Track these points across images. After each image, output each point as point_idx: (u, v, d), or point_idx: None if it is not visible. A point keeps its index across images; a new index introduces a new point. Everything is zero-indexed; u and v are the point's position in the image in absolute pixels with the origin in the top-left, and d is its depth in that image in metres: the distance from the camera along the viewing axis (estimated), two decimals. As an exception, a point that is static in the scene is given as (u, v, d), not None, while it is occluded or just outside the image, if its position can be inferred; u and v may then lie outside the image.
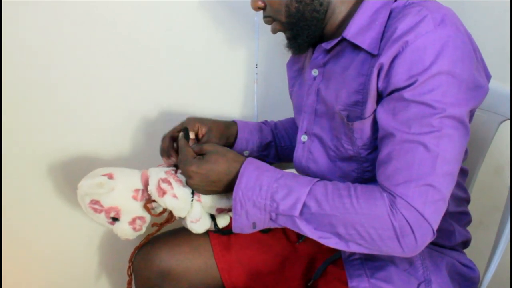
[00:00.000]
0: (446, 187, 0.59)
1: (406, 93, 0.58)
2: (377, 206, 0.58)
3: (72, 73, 0.96)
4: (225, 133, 0.89)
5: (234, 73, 1.08)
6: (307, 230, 0.62)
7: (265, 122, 1.00)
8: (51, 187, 1.03)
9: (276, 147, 0.97)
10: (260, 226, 0.66)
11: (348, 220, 0.59)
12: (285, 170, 0.68)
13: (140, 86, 1.02)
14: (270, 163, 0.80)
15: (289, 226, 0.64)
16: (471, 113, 0.66)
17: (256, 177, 0.64)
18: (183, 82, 1.05)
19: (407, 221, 0.56)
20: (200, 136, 0.86)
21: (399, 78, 0.59)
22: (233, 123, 0.93)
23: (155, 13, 0.98)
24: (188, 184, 0.72)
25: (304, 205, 0.61)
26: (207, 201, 0.75)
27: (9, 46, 0.89)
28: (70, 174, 1.01)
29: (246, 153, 0.93)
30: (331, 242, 0.62)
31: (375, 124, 0.65)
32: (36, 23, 0.90)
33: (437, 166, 0.57)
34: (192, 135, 0.82)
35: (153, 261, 0.82)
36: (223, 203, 0.76)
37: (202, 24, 1.01)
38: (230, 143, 0.91)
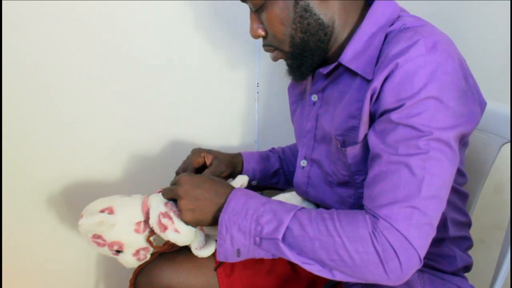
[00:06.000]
0: (432, 211, 0.57)
1: (393, 115, 0.58)
2: (359, 228, 0.56)
3: (72, 96, 0.97)
4: (232, 161, 0.91)
5: (235, 91, 1.08)
6: (290, 255, 0.60)
7: (272, 150, 1.00)
8: (51, 206, 1.03)
9: (285, 173, 0.97)
10: (245, 254, 0.64)
11: (331, 244, 0.57)
12: (273, 197, 0.68)
13: (140, 105, 1.02)
14: (281, 190, 0.78)
15: (274, 251, 0.62)
16: (463, 139, 0.65)
17: (244, 202, 0.63)
18: (184, 100, 1.05)
19: (390, 244, 0.54)
20: (207, 163, 0.88)
21: (387, 100, 0.59)
22: (239, 154, 0.94)
23: (154, 34, 0.98)
24: (176, 191, 0.68)
25: (288, 228, 0.60)
26: (210, 231, 0.74)
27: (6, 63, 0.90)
28: (70, 194, 1.01)
29: (254, 183, 0.93)
30: (314, 268, 0.59)
31: (368, 148, 0.64)
32: (32, 45, 0.91)
33: (423, 188, 0.56)
34: None
35: (155, 278, 0.82)
36: None
37: (203, 44, 1.02)
38: (238, 172, 0.92)
